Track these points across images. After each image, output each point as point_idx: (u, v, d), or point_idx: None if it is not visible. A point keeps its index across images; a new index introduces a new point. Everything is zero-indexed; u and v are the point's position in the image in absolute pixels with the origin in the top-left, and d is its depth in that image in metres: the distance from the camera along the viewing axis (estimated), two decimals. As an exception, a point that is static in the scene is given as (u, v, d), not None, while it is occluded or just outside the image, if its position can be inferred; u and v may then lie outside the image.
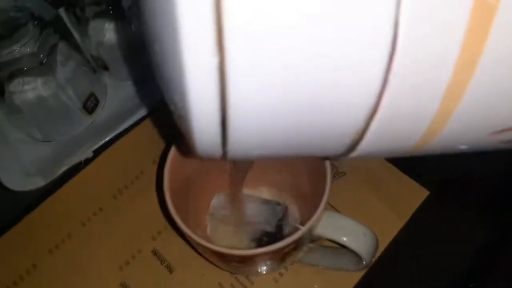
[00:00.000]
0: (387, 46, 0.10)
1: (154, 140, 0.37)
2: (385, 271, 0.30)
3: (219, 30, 0.09)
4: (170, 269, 0.32)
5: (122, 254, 0.33)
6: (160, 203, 0.34)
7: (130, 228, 0.34)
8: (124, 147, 0.38)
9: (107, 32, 0.38)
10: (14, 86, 0.33)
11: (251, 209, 0.31)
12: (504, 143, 0.13)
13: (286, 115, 0.11)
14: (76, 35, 0.38)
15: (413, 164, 0.34)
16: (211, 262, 0.29)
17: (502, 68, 0.11)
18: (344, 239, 0.23)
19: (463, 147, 0.13)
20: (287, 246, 0.22)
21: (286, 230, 0.31)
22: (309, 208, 0.25)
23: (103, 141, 0.37)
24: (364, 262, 0.24)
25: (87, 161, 0.37)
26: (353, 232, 0.24)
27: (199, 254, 0.29)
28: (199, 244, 0.23)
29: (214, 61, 0.10)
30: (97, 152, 0.37)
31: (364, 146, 0.12)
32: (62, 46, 0.34)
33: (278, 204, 0.32)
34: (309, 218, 0.22)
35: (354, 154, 0.13)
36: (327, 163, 0.24)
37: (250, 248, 0.30)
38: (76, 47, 0.36)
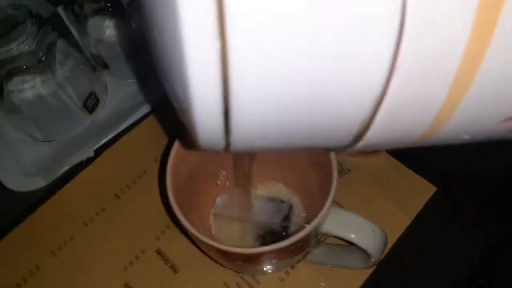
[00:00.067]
0: (394, 32, 0.10)
1: (156, 138, 0.37)
2: (393, 268, 0.30)
3: (220, 15, 0.09)
4: (174, 269, 0.31)
5: (125, 255, 0.32)
6: (163, 202, 0.34)
7: (133, 228, 0.33)
8: (125, 146, 0.37)
9: (107, 30, 0.38)
10: (13, 85, 0.33)
11: (256, 207, 0.31)
12: None
13: (290, 104, 0.11)
14: (74, 32, 0.38)
15: (420, 160, 0.34)
16: (215, 262, 0.28)
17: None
18: (352, 236, 0.23)
19: (470, 136, 0.13)
20: (294, 244, 0.22)
21: (291, 228, 0.30)
22: (314, 205, 0.24)
23: (104, 140, 0.37)
24: (372, 260, 0.24)
25: (88, 161, 0.37)
26: (361, 229, 0.23)
27: (204, 253, 0.28)
28: (204, 243, 0.22)
29: (215, 45, 0.09)
30: (98, 152, 0.37)
31: (371, 135, 0.12)
32: (60, 44, 0.34)
33: (283, 202, 0.32)
34: (315, 216, 0.22)
35: (360, 144, 0.13)
36: (333, 159, 0.23)
37: (255, 246, 0.29)
38: (75, 45, 0.36)
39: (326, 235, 0.25)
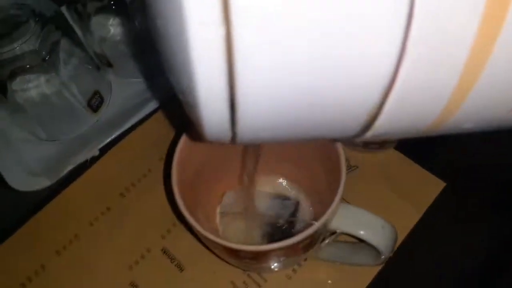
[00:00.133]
0: (403, 18, 0.09)
1: (161, 136, 0.37)
2: (402, 264, 0.29)
3: (225, 1, 0.09)
4: (180, 267, 0.31)
5: (131, 254, 0.32)
6: (168, 200, 0.34)
7: (139, 227, 0.33)
8: (130, 144, 0.37)
9: (110, 28, 0.38)
10: (16, 84, 0.33)
11: (262, 205, 0.31)
12: None
13: (297, 93, 0.11)
14: (78, 31, 0.37)
15: (429, 156, 0.33)
16: (222, 259, 0.28)
17: None
18: (362, 232, 0.23)
19: (480, 125, 0.13)
20: (302, 241, 0.21)
21: (298, 225, 0.30)
22: (323, 202, 0.24)
23: (109, 139, 0.37)
24: (382, 256, 0.23)
25: (93, 160, 0.36)
26: (370, 225, 0.23)
27: (210, 251, 0.28)
28: (210, 241, 0.22)
29: (220, 33, 0.09)
30: (103, 151, 0.37)
31: (380, 124, 0.12)
32: (64, 43, 0.34)
33: (289, 198, 0.31)
34: (323, 212, 0.22)
35: (369, 133, 0.13)
36: (342, 155, 0.23)
37: (262, 244, 0.29)
38: (78, 44, 0.36)
39: (335, 232, 0.24)
